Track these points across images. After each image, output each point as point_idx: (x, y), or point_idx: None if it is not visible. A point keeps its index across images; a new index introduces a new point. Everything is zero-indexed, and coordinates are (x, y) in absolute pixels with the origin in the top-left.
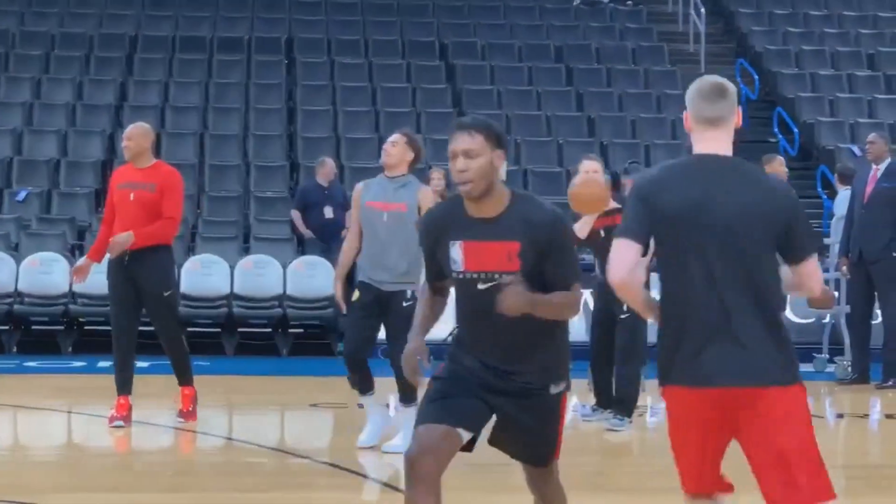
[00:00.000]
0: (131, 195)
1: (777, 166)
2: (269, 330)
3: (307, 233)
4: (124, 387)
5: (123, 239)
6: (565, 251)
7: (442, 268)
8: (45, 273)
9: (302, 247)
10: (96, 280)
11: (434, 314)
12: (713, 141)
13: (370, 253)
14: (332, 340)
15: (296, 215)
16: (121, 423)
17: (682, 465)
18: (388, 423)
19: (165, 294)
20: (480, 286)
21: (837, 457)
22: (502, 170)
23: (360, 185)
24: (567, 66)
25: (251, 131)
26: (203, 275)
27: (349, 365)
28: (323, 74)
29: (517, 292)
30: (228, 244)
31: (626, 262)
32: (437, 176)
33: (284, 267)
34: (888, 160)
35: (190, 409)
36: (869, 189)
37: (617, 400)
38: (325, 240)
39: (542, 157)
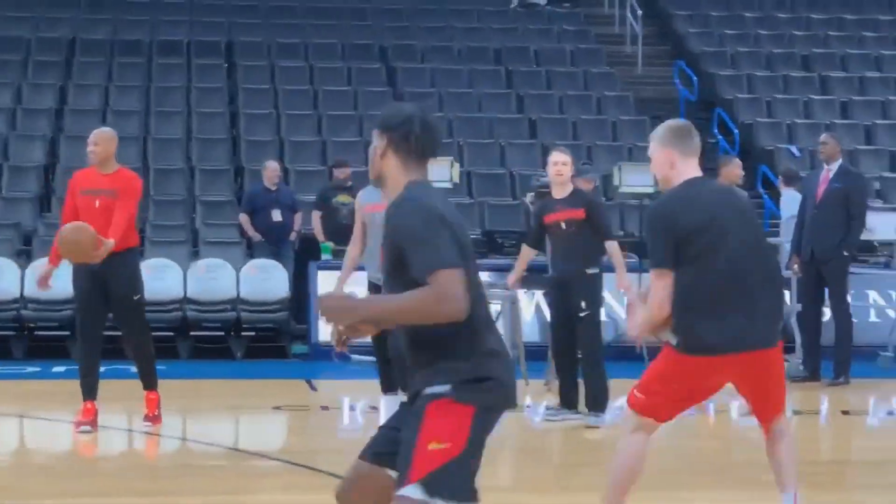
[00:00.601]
0: (97, 202)
1: (734, 168)
2: (223, 333)
3: (256, 236)
4: (90, 392)
5: (110, 245)
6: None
7: None
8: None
9: (251, 250)
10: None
11: None
12: (696, 168)
13: (374, 254)
14: (287, 343)
15: (244, 219)
16: (88, 427)
17: (662, 407)
18: None
19: (135, 297)
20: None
21: None
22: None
23: (361, 192)
24: (507, 69)
25: (194, 135)
26: (155, 279)
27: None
28: (264, 78)
29: (332, 299)
30: (178, 248)
31: (667, 293)
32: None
33: (237, 270)
34: (839, 161)
35: (156, 413)
36: (821, 190)
37: (591, 397)
38: (274, 242)
39: (483, 159)
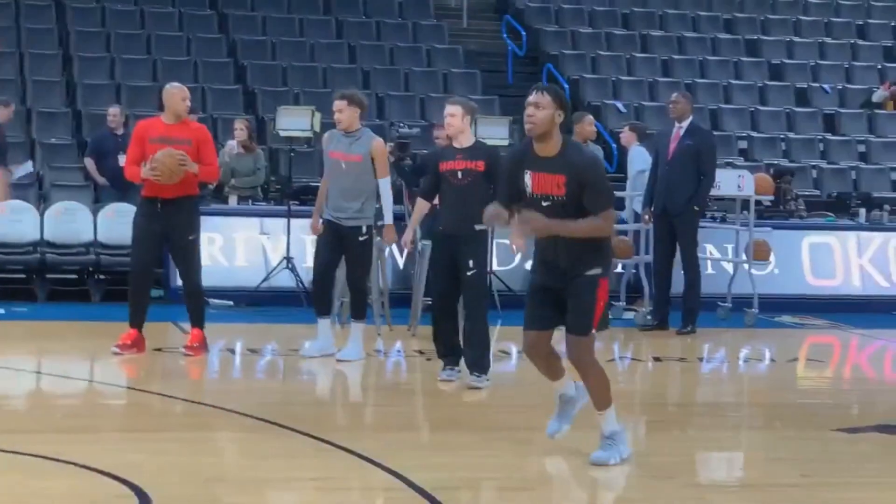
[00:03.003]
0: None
1: (587, 125)
2: (76, 277)
3: (101, 180)
4: (134, 318)
5: (194, 168)
6: (596, 185)
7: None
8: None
9: (97, 194)
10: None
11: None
12: None
13: (332, 195)
14: None
15: (89, 163)
16: (117, 349)
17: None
18: (330, 346)
19: (190, 238)
20: (544, 203)
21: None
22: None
23: (325, 136)
24: (336, 19)
25: (28, 77)
26: (13, 221)
27: (315, 286)
28: (95, 21)
29: (534, 219)
30: (26, 191)
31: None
32: (239, 126)
33: (94, 214)
34: (690, 118)
35: (196, 345)
36: (672, 146)
37: (475, 358)
38: (119, 188)
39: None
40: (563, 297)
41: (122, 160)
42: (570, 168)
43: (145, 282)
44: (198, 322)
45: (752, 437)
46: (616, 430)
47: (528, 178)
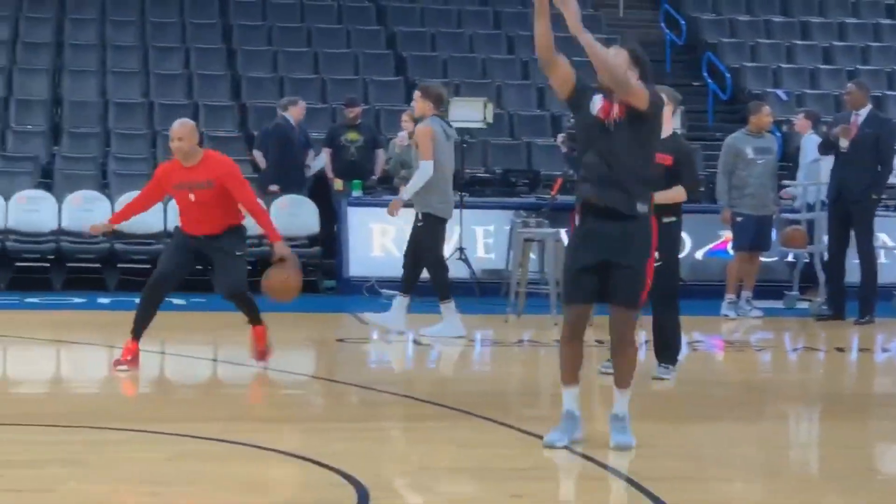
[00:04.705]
0: (191, 196)
1: (764, 116)
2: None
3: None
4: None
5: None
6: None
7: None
8: (33, 211)
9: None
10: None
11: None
12: None
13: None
14: (318, 278)
15: (258, 155)
16: (125, 367)
17: None
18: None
19: (238, 253)
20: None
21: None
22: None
23: (431, 121)
24: (495, 10)
25: (194, 71)
26: (29, 210)
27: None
28: (256, 14)
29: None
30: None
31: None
32: (406, 118)
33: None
34: (868, 107)
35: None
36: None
37: (665, 346)
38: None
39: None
40: (605, 271)
41: (309, 155)
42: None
43: (161, 294)
44: (255, 319)
45: None
46: (627, 414)
47: (597, 98)
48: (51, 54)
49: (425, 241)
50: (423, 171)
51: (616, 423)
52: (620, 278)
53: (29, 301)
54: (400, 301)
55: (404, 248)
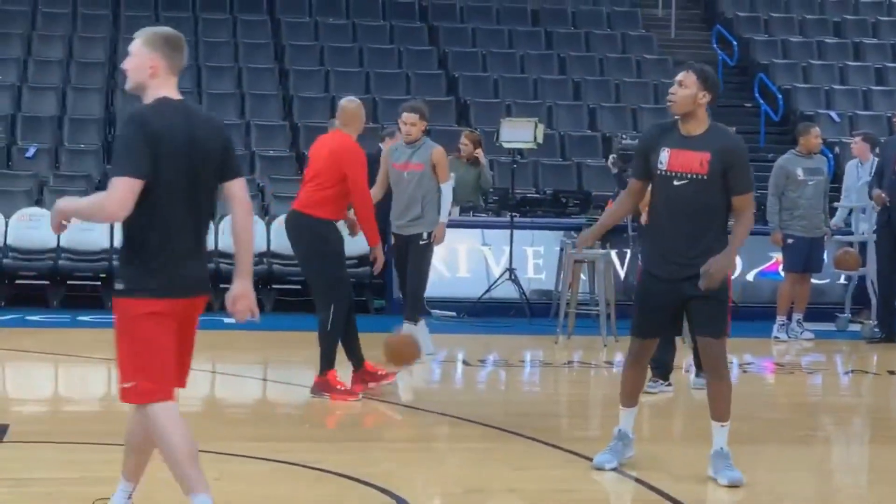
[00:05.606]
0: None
1: (813, 137)
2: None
3: None
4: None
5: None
6: (744, 165)
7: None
8: (86, 230)
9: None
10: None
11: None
12: (175, 88)
13: (395, 207)
14: (368, 298)
15: None
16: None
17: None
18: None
19: (313, 266)
20: (676, 182)
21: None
22: None
23: (390, 147)
24: (546, 30)
25: (246, 90)
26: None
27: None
28: (308, 34)
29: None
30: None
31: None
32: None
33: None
34: None
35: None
36: None
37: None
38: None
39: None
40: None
41: None
42: (717, 146)
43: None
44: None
45: None
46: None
47: (664, 154)
48: (104, 73)
49: (429, 257)
50: (449, 192)
51: (720, 461)
52: (704, 309)
53: (80, 319)
54: (421, 325)
55: (439, 269)
